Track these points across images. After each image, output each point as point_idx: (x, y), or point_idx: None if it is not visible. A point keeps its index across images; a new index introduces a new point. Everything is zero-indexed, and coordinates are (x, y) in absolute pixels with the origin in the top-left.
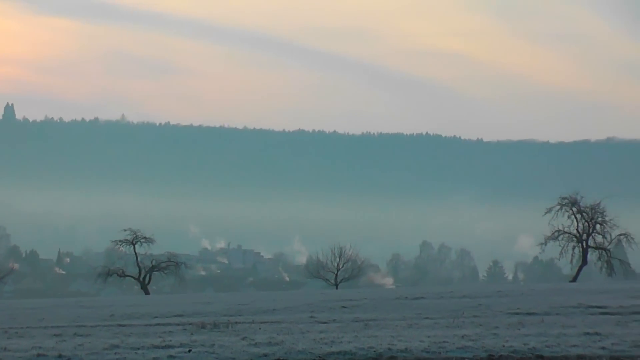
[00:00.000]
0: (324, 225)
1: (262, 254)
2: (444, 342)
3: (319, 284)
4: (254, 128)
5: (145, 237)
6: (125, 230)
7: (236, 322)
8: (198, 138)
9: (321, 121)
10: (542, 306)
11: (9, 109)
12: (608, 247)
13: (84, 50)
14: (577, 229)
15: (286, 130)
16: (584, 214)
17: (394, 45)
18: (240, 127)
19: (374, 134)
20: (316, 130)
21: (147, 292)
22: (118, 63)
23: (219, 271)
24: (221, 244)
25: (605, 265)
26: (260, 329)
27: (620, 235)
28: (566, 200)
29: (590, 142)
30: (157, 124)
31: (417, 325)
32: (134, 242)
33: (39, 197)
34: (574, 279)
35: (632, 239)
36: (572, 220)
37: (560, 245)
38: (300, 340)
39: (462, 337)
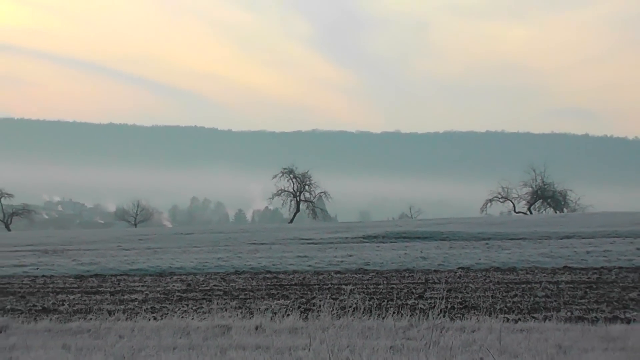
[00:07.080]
0: (129, 185)
1: (85, 204)
2: (206, 262)
3: (124, 225)
4: None
5: (7, 193)
6: None
7: (68, 249)
8: None
9: None
10: (270, 239)
11: None
12: (313, 200)
13: None
14: (293, 189)
15: None
16: (298, 179)
17: None
18: None
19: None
20: None
21: (9, 230)
22: None
23: (57, 216)
24: (57, 198)
25: (311, 212)
26: (84, 254)
27: (321, 192)
28: (286, 170)
29: (302, 132)
30: None
31: (189, 251)
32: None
33: None
34: (291, 221)
35: (328, 194)
36: (290, 183)
37: (282, 199)
38: (111, 261)
39: (218, 259)
